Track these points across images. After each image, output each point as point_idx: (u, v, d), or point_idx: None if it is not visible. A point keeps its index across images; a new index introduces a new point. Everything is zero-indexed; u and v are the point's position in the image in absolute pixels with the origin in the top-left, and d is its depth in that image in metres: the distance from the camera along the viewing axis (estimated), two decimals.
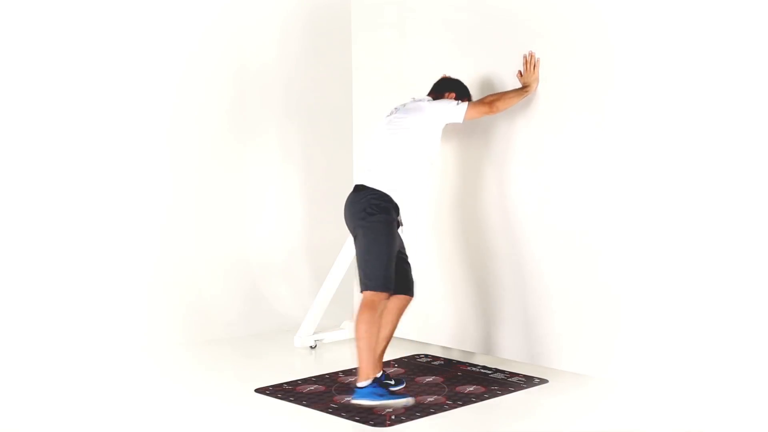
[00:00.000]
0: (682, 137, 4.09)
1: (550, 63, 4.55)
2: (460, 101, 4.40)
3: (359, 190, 4.22)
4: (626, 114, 4.28)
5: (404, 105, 4.42)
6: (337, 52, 5.89)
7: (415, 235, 4.76)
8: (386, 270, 4.10)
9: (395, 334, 4.90)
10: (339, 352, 5.19)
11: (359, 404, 4.00)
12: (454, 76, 4.69)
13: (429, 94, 4.58)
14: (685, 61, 4.06)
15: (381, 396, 3.99)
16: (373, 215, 4.11)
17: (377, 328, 4.09)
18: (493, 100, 4.46)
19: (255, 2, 5.69)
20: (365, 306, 4.06)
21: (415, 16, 5.30)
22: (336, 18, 5.88)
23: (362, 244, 4.13)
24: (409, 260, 4.39)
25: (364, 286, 4.11)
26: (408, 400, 4.03)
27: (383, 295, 4.10)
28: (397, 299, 4.27)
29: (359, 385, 4.03)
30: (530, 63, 4.58)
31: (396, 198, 4.19)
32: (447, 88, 4.58)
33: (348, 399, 4.15)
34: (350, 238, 5.34)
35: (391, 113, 4.41)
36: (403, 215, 4.30)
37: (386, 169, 4.21)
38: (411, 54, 5.30)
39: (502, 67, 4.78)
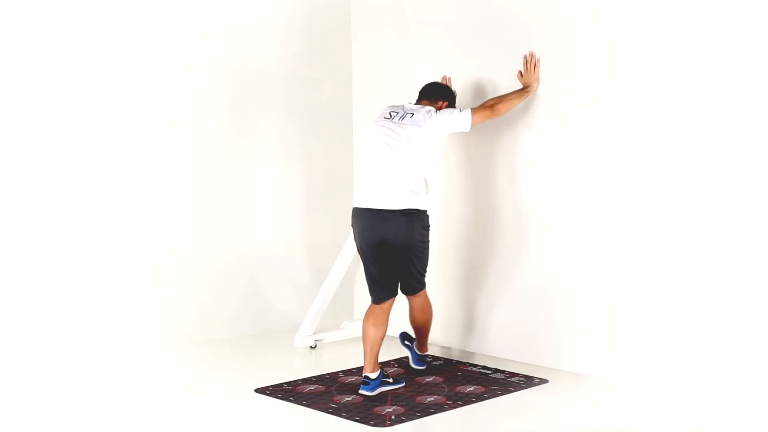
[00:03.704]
0: (681, 137, 4.09)
1: (550, 63, 4.55)
2: (461, 109, 4.44)
3: (411, 213, 4.31)
4: (626, 115, 4.28)
5: (406, 111, 4.42)
6: (337, 52, 5.89)
7: None
8: None
9: (393, 333, 4.91)
10: (339, 352, 5.18)
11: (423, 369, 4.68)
12: (439, 81, 4.74)
13: (420, 101, 4.59)
14: (684, 60, 4.06)
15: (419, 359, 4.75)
16: (428, 233, 4.48)
17: None
18: (494, 103, 4.47)
19: (255, 2, 5.69)
20: (427, 298, 4.62)
21: (415, 16, 5.30)
22: (336, 18, 5.88)
23: (422, 257, 4.48)
24: None
25: (422, 285, 4.55)
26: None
27: None
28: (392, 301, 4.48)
29: (420, 353, 4.75)
30: (530, 63, 4.58)
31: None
32: (440, 95, 4.61)
33: (348, 398, 4.17)
34: (350, 239, 5.36)
35: (392, 116, 4.41)
36: None
37: (420, 187, 4.33)
38: (411, 54, 5.30)
39: (502, 67, 4.78)
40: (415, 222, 4.35)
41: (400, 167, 4.31)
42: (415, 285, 4.51)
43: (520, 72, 4.63)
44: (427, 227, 4.45)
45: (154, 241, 5.32)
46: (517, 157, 4.74)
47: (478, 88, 4.84)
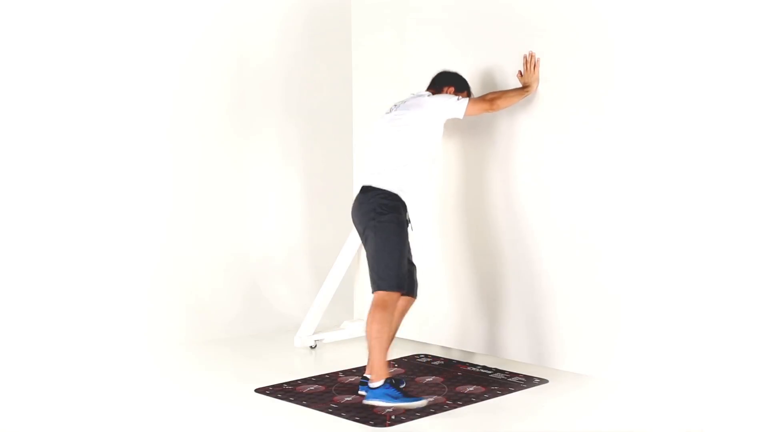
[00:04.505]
0: (682, 137, 4.09)
1: (550, 63, 4.55)
2: (460, 96, 4.40)
3: (367, 190, 4.21)
4: (627, 114, 4.28)
5: (404, 101, 4.40)
6: (337, 52, 5.89)
7: (417, 235, 4.76)
8: (399, 269, 4.10)
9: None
10: (339, 352, 5.19)
11: (371, 404, 3.99)
12: (452, 69, 4.66)
13: (428, 89, 4.56)
14: (685, 60, 4.06)
15: (395, 398, 3.96)
16: (384, 215, 4.11)
17: (389, 328, 4.09)
18: (494, 97, 4.46)
19: (255, 2, 5.69)
20: (378, 306, 4.06)
21: (415, 15, 5.30)
22: (336, 18, 5.88)
23: (374, 244, 4.12)
24: (414, 261, 4.38)
25: (377, 285, 4.10)
26: (421, 403, 3.98)
27: (396, 294, 4.10)
28: (401, 300, 4.23)
29: (372, 385, 4.00)
30: (530, 63, 4.58)
31: (404, 197, 4.18)
32: (446, 81, 4.55)
33: (348, 398, 4.16)
34: (350, 238, 5.35)
35: (391, 110, 4.39)
36: (411, 214, 4.28)
37: (392, 168, 4.19)
38: (411, 54, 5.30)
39: (502, 66, 4.78)
40: (369, 199, 4.16)
41: (379, 152, 4.27)
42: (373, 278, 4.15)
43: (520, 72, 4.63)
44: (385, 206, 4.09)
45: (154, 242, 5.32)
46: (518, 157, 4.74)
47: (478, 88, 4.83)
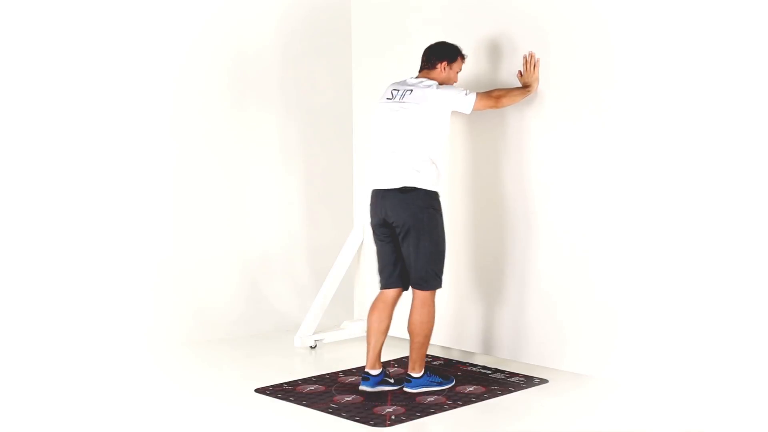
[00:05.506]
0: (681, 137, 4.09)
1: (550, 63, 4.55)
2: (468, 91, 4.37)
3: (409, 190, 4.24)
4: (627, 114, 4.28)
5: (407, 88, 4.34)
6: (337, 52, 5.89)
7: None
8: (443, 268, 4.37)
9: (395, 334, 4.91)
10: (339, 352, 5.18)
11: (416, 392, 4.27)
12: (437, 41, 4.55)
13: (422, 69, 4.47)
14: (685, 60, 4.06)
15: (440, 384, 4.35)
16: (436, 219, 4.31)
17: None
18: (499, 95, 4.46)
19: (254, 2, 5.69)
20: (427, 303, 4.33)
21: (414, 15, 5.30)
22: (336, 17, 5.88)
23: (427, 247, 4.27)
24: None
25: (428, 285, 4.31)
26: (452, 382, 4.42)
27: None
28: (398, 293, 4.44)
29: (416, 375, 4.32)
30: (530, 63, 4.58)
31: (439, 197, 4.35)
32: (438, 57, 4.45)
33: (348, 398, 4.17)
34: (350, 238, 5.36)
35: (393, 95, 4.37)
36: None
37: (418, 165, 4.24)
38: (411, 54, 5.29)
39: (502, 66, 4.78)
40: (414, 200, 4.24)
41: (401, 146, 4.27)
42: (416, 278, 4.30)
43: (520, 72, 4.63)
44: (433, 207, 4.28)
45: (154, 242, 5.32)
46: (518, 158, 4.74)
47: (478, 89, 4.83)
